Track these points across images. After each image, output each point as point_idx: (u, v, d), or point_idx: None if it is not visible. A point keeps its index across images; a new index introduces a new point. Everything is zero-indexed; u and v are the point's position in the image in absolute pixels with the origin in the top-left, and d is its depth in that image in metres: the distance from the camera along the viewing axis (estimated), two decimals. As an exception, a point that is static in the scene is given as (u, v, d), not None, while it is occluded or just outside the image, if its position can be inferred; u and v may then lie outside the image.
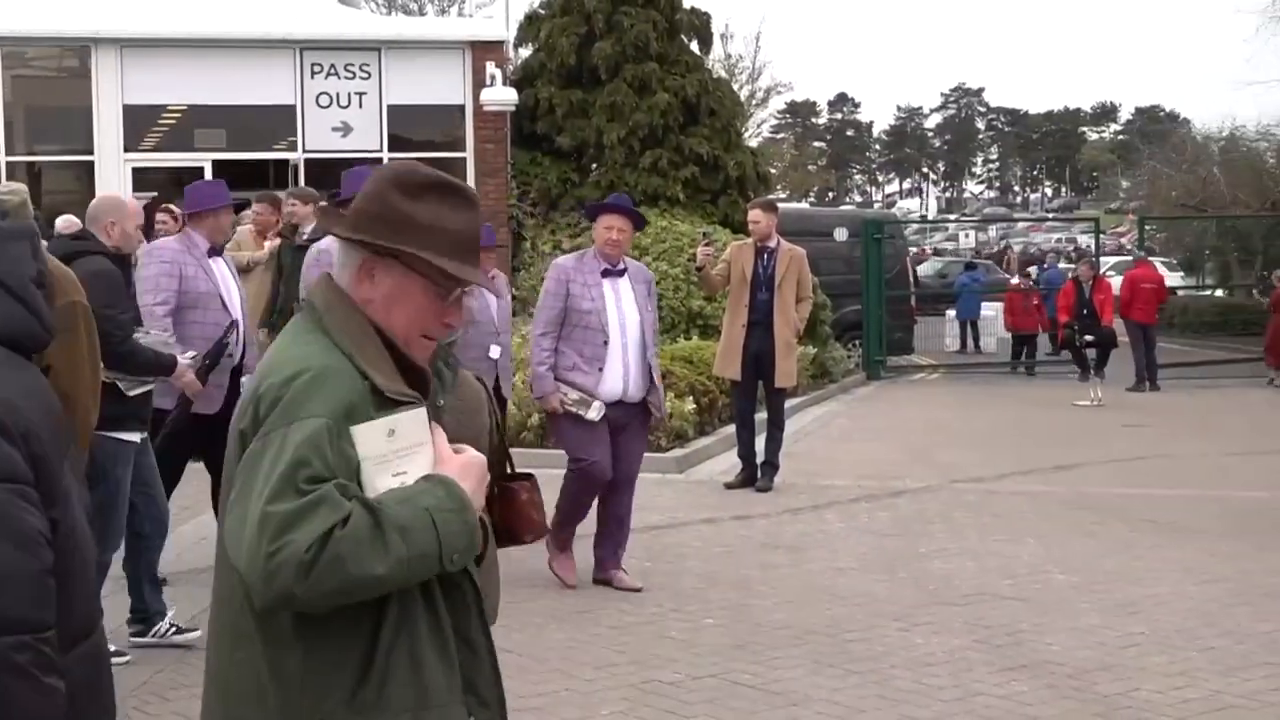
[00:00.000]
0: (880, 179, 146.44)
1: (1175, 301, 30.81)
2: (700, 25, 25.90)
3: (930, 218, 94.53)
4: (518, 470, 5.75)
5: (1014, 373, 26.15)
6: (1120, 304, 23.63)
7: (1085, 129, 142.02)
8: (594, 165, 24.59)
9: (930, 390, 23.45)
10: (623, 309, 9.29)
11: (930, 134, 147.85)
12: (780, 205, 14.83)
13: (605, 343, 9.17)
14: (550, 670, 7.54)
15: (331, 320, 2.97)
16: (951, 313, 32.02)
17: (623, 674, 7.51)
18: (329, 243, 8.90)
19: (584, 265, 9.35)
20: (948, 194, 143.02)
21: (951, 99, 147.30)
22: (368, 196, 3.02)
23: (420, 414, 2.93)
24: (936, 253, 62.61)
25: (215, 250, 8.99)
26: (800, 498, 12.66)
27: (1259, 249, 35.98)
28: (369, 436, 2.84)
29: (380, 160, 21.63)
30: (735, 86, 39.15)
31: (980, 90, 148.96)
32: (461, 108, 22.05)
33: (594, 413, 9.12)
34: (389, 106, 21.82)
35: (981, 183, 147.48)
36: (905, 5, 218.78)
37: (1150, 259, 28.09)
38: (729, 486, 12.98)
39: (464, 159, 21.91)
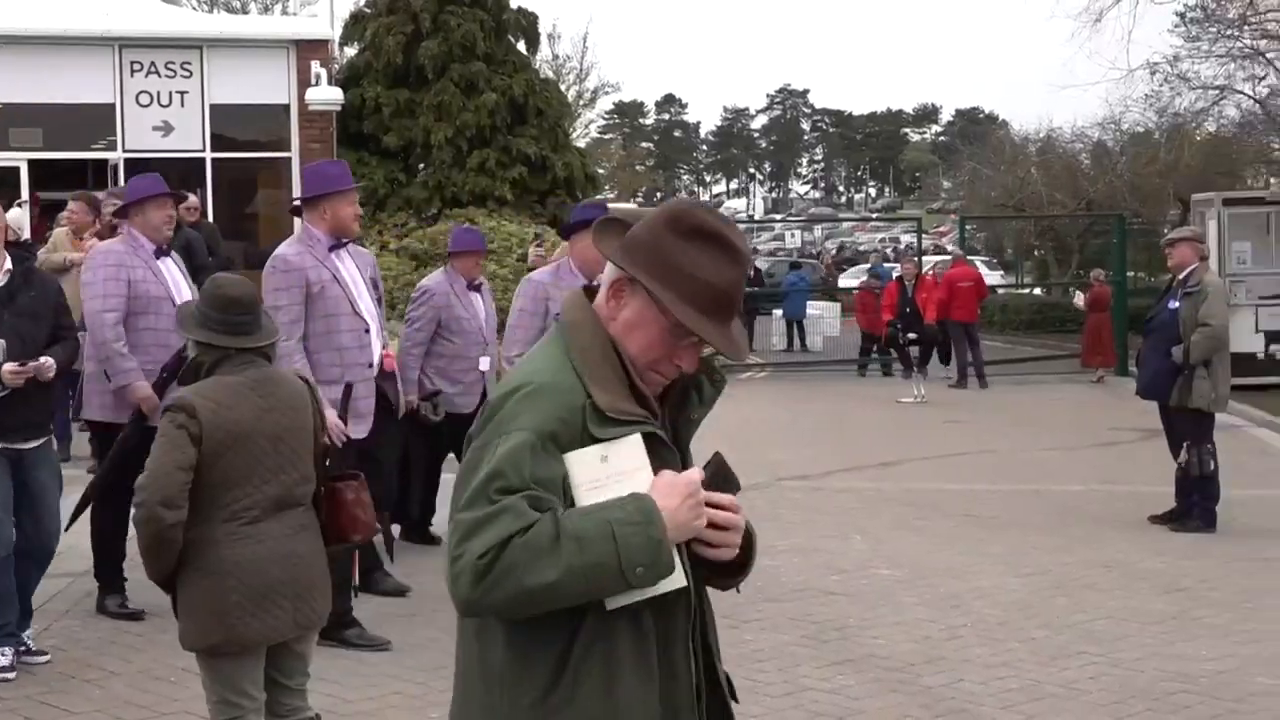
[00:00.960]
0: (707, 179, 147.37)
1: (995, 300, 31.47)
2: (527, 25, 25.90)
3: (756, 218, 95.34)
4: (346, 470, 5.72)
5: (862, 374, 26.37)
6: (940, 304, 24.04)
7: (908, 130, 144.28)
8: (421, 165, 24.49)
9: (758, 389, 23.65)
10: None
11: (756, 135, 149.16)
12: (610, 206, 14.85)
13: None
14: (380, 674, 7.48)
15: (572, 335, 2.99)
16: (779, 312, 32.34)
17: (452, 676, 7.46)
18: None
19: (560, 280, 8.78)
20: (774, 194, 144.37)
21: (777, 100, 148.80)
22: (647, 222, 3.01)
23: (635, 439, 2.88)
24: (770, 253, 63.19)
25: (163, 250, 8.42)
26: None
27: (1075, 248, 36.87)
28: (583, 461, 2.84)
29: (203, 160, 21.33)
30: (563, 87, 39.20)
31: (805, 92, 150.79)
32: (286, 107, 21.78)
33: None
34: (211, 106, 21.49)
35: (807, 183, 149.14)
36: (731, 7, 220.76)
37: (967, 258, 28.61)
38: None
39: (289, 159, 21.66)
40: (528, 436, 2.84)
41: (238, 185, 21.96)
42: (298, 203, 8.43)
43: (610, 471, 2.84)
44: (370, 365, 7.93)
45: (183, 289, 8.38)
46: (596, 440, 2.86)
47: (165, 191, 8.54)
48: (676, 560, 2.82)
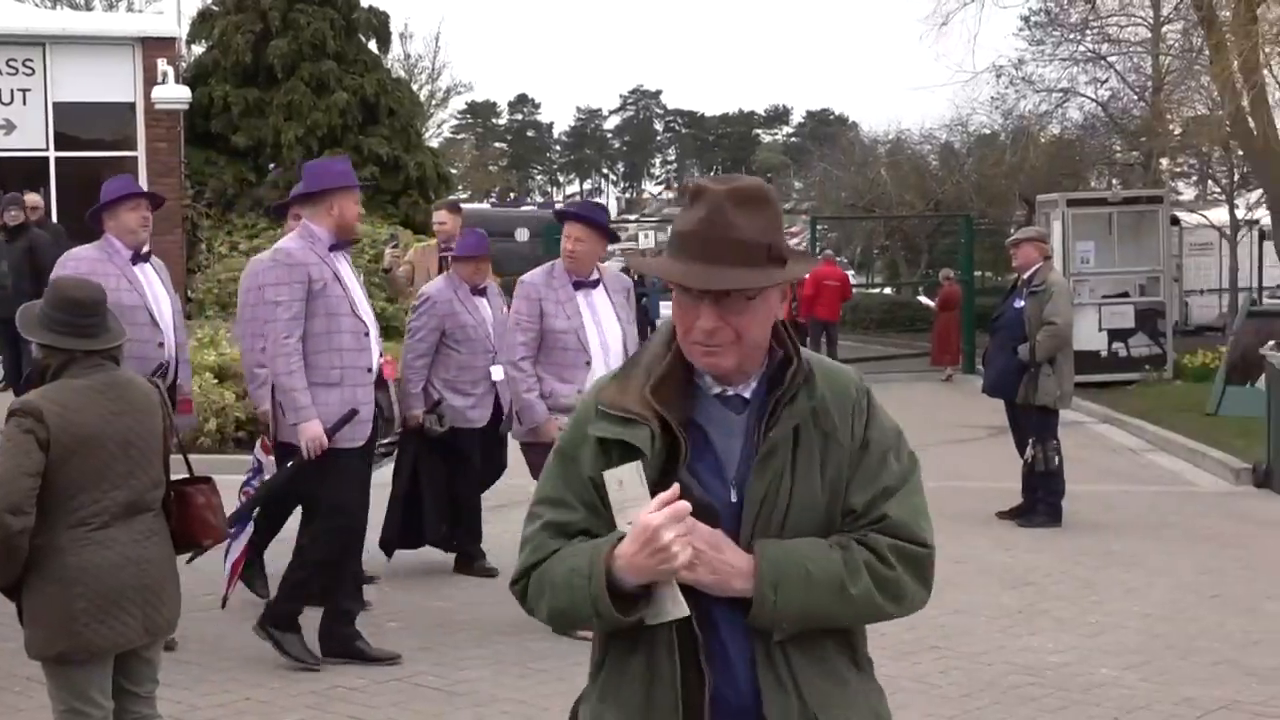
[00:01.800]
0: (561, 179, 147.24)
1: (846, 300, 31.83)
2: (378, 25, 25.73)
3: (611, 218, 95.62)
4: (196, 474, 5.64)
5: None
6: (805, 301, 24.25)
7: (759, 131, 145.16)
8: (271, 165, 24.22)
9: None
10: (601, 324, 8.37)
11: (610, 135, 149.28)
12: (462, 207, 14.79)
13: (588, 363, 8.23)
14: (230, 680, 7.40)
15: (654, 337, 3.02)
16: (632, 312, 32.41)
17: (305, 680, 7.41)
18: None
19: (554, 280, 8.39)
20: (628, 194, 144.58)
21: (630, 101, 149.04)
22: None
23: (634, 467, 2.80)
24: (620, 253, 63.25)
25: (140, 256, 7.98)
26: (493, 497, 12.65)
27: (924, 248, 37.38)
28: (610, 484, 2.83)
29: (47, 159, 20.94)
30: (415, 87, 39.00)
31: (658, 93, 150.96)
32: (132, 105, 21.46)
33: None
34: (55, 104, 21.12)
35: (661, 183, 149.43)
36: (583, 8, 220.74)
37: (836, 258, 28.91)
38: None
39: (135, 158, 21.34)
40: (558, 447, 2.99)
41: (83, 185, 21.51)
42: (286, 200, 8.56)
43: (625, 497, 2.81)
44: (369, 370, 7.57)
45: (161, 297, 8.05)
46: (589, 437, 2.89)
47: (137, 192, 8.12)
48: (672, 594, 2.78)
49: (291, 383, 7.33)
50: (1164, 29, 30.79)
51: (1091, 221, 23.72)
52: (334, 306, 7.42)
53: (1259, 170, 23.99)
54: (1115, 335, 23.02)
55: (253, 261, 8.81)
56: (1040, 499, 11.92)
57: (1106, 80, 33.46)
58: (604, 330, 8.35)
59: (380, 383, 7.73)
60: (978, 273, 30.01)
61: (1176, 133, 30.15)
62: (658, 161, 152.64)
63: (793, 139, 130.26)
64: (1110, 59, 32.47)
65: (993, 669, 7.72)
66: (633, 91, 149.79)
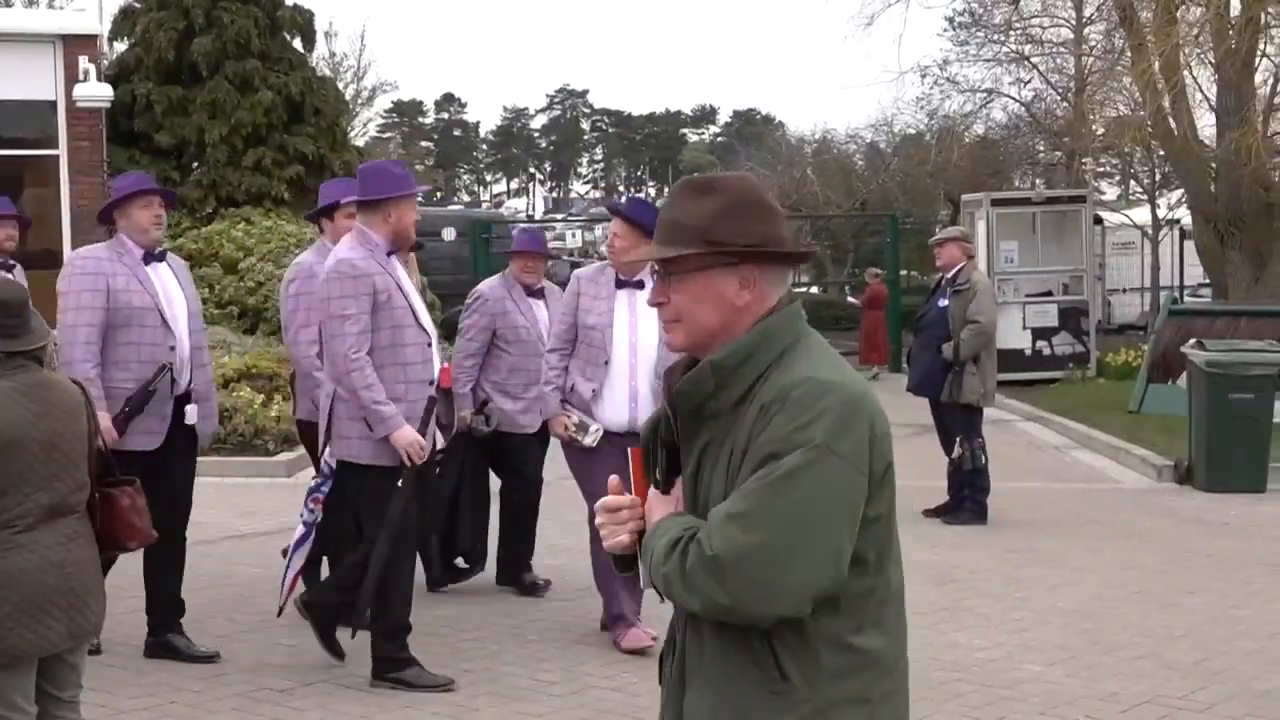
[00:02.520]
0: (488, 179, 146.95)
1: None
2: (303, 23, 25.57)
3: (537, 218, 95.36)
4: (120, 476, 5.59)
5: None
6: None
7: (686, 130, 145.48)
8: (195, 164, 24.03)
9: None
10: (638, 326, 7.95)
11: (536, 134, 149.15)
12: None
13: (606, 363, 7.94)
14: (155, 683, 7.33)
15: None
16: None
17: (232, 683, 7.36)
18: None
19: (600, 276, 8.09)
20: (554, 194, 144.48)
21: (557, 100, 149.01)
22: None
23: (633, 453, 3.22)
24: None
25: (154, 256, 7.65)
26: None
27: (850, 247, 37.55)
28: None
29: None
30: (340, 85, 38.79)
31: (585, 92, 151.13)
32: (53, 103, 21.17)
33: (589, 438, 7.94)
34: (-26, 102, 20.83)
35: (587, 182, 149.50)
36: (510, 6, 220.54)
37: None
38: None
39: (57, 156, 21.07)
40: None
41: (2, 184, 21.32)
42: (327, 206, 8.38)
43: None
44: (431, 382, 7.27)
45: (174, 297, 7.66)
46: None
47: (150, 189, 7.76)
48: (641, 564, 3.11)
49: (373, 396, 6.99)
50: (1086, 30, 31.12)
51: (1015, 221, 23.91)
52: (399, 319, 7.13)
53: (1180, 170, 24.26)
54: (1039, 334, 23.22)
55: (297, 266, 8.49)
56: (966, 497, 12.00)
57: (1030, 81, 33.81)
58: (638, 331, 7.92)
59: (441, 391, 7.49)
60: (903, 272, 30.18)
61: (1099, 133, 30.42)
62: (585, 161, 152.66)
63: (719, 138, 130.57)
64: (1033, 60, 32.78)
65: (918, 665, 7.72)
66: (560, 91, 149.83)
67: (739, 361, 3.00)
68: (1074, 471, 15.25)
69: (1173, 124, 21.71)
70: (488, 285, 9.41)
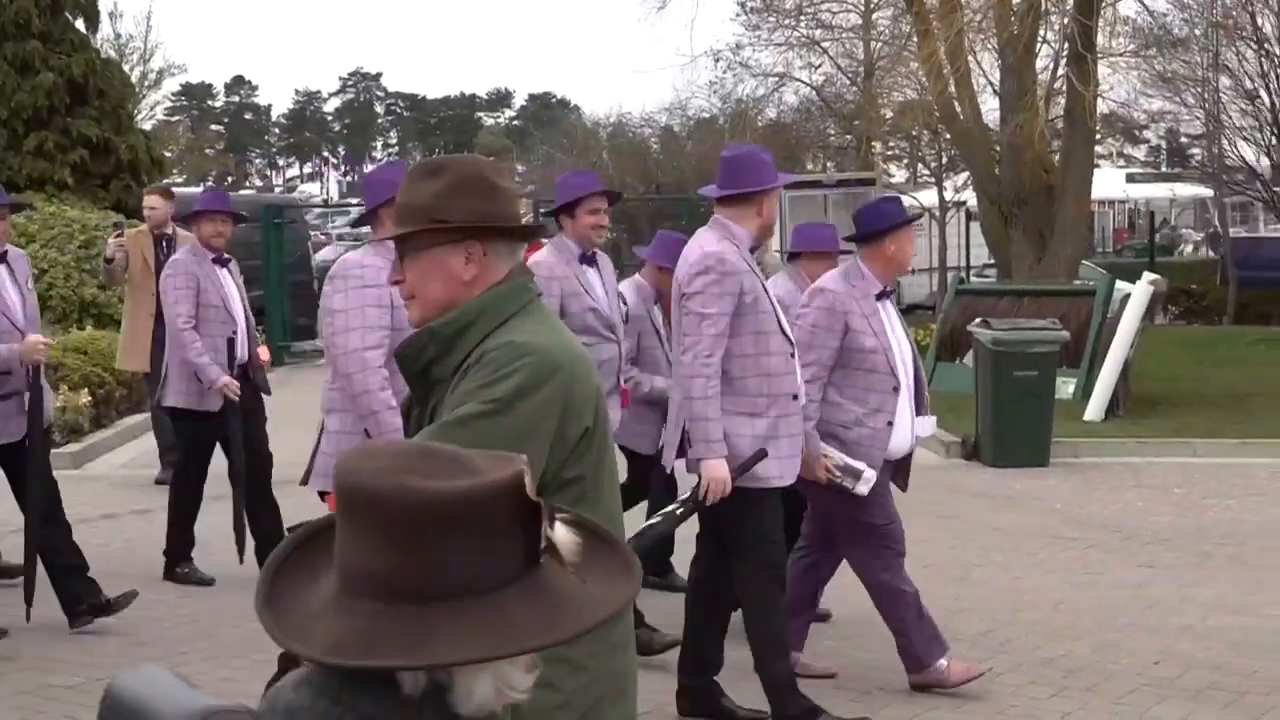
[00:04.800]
0: (280, 163, 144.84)
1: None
2: (86, 3, 24.93)
3: (332, 202, 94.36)
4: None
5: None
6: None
7: (481, 114, 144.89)
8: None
9: (335, 375, 23.41)
10: (902, 340, 7.30)
11: (330, 118, 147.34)
12: (177, 191, 14.47)
13: (895, 389, 7.12)
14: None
15: None
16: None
17: (16, 680, 7.19)
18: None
19: (862, 286, 7.18)
20: (349, 178, 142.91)
21: (350, 83, 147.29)
22: None
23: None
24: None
25: (220, 260, 9.36)
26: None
27: (646, 231, 37.73)
28: None
29: None
30: (126, 68, 37.89)
31: (379, 75, 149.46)
32: None
33: (863, 485, 7.05)
34: None
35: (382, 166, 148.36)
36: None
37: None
38: (159, 482, 12.50)
39: None
40: None
41: None
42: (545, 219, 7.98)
43: None
44: (795, 396, 6.55)
45: (234, 297, 9.39)
46: None
47: (211, 209, 9.49)
48: None
49: (707, 410, 6.32)
50: (874, 16, 31.65)
51: (807, 203, 24.25)
52: (764, 324, 6.46)
53: (965, 153, 24.80)
54: (831, 314, 23.54)
55: (534, 265, 7.48)
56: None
57: (820, 65, 34.28)
58: (904, 346, 7.23)
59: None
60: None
61: (887, 116, 31.02)
62: (379, 144, 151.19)
63: (515, 122, 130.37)
64: (824, 44, 33.23)
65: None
66: (353, 74, 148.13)
67: (458, 329, 3.16)
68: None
69: (958, 108, 22.19)
70: (541, 253, 7.99)
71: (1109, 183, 45.85)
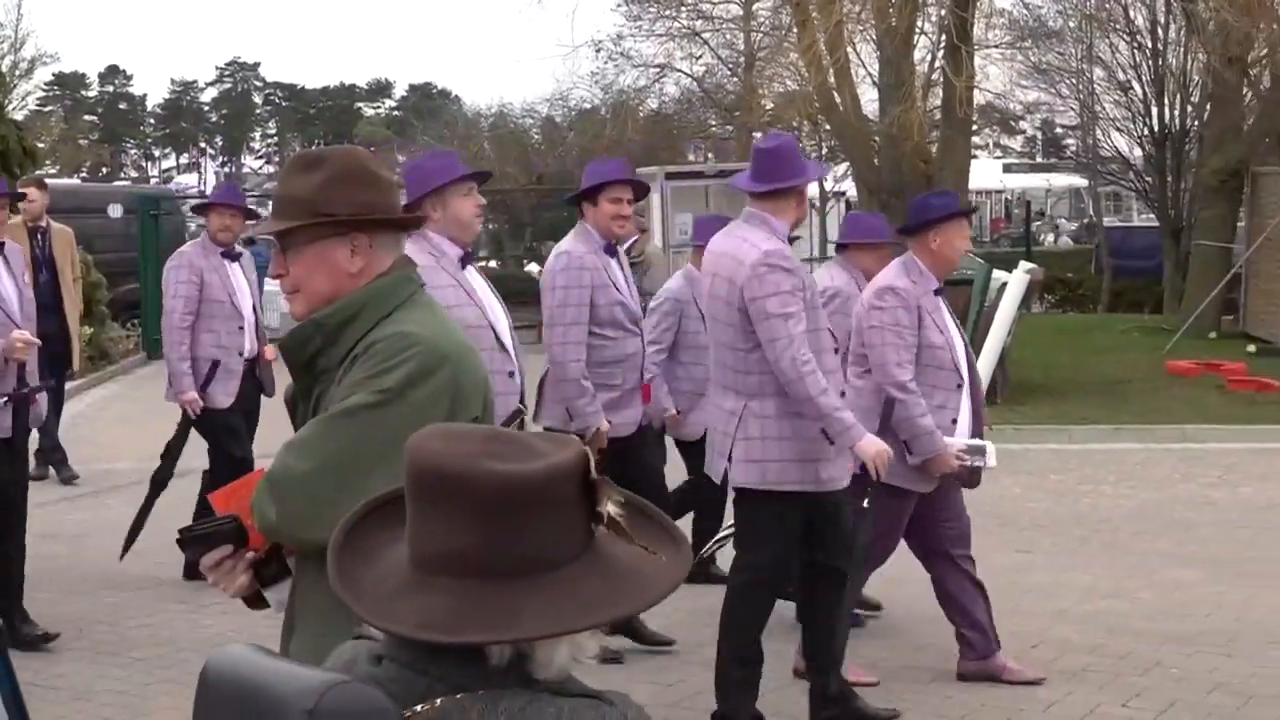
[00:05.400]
0: (156, 154, 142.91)
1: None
2: (-46, -9, 24.43)
3: (209, 193, 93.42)
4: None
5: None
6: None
7: (361, 104, 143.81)
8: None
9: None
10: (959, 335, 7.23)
11: (207, 108, 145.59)
12: (50, 182, 14.21)
13: (959, 386, 7.07)
14: None
15: None
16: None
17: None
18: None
19: (923, 282, 7.03)
20: (227, 169, 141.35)
21: (227, 73, 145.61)
22: None
23: None
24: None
25: (231, 254, 9.34)
26: (79, 484, 12.24)
27: (528, 221, 37.66)
28: None
29: None
30: (-4, 57, 37.20)
31: (257, 65, 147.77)
32: None
33: (990, 458, 7.05)
34: None
35: (261, 158, 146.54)
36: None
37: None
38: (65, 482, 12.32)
39: None
40: None
41: None
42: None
43: None
44: (843, 394, 6.44)
45: (242, 292, 9.37)
46: None
47: (222, 202, 9.65)
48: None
49: (831, 402, 6.08)
50: (755, 6, 31.80)
51: (689, 194, 24.28)
52: (818, 320, 6.34)
53: (844, 143, 25.00)
54: (713, 304, 23.63)
55: (564, 255, 7.50)
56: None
57: (701, 56, 34.37)
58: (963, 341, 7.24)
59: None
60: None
61: (768, 107, 31.11)
62: (258, 135, 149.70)
63: (395, 112, 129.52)
64: (705, 35, 33.33)
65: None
66: (230, 64, 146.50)
67: (343, 319, 3.15)
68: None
69: (837, 99, 22.32)
70: (570, 243, 7.63)
71: (986, 173, 46.50)
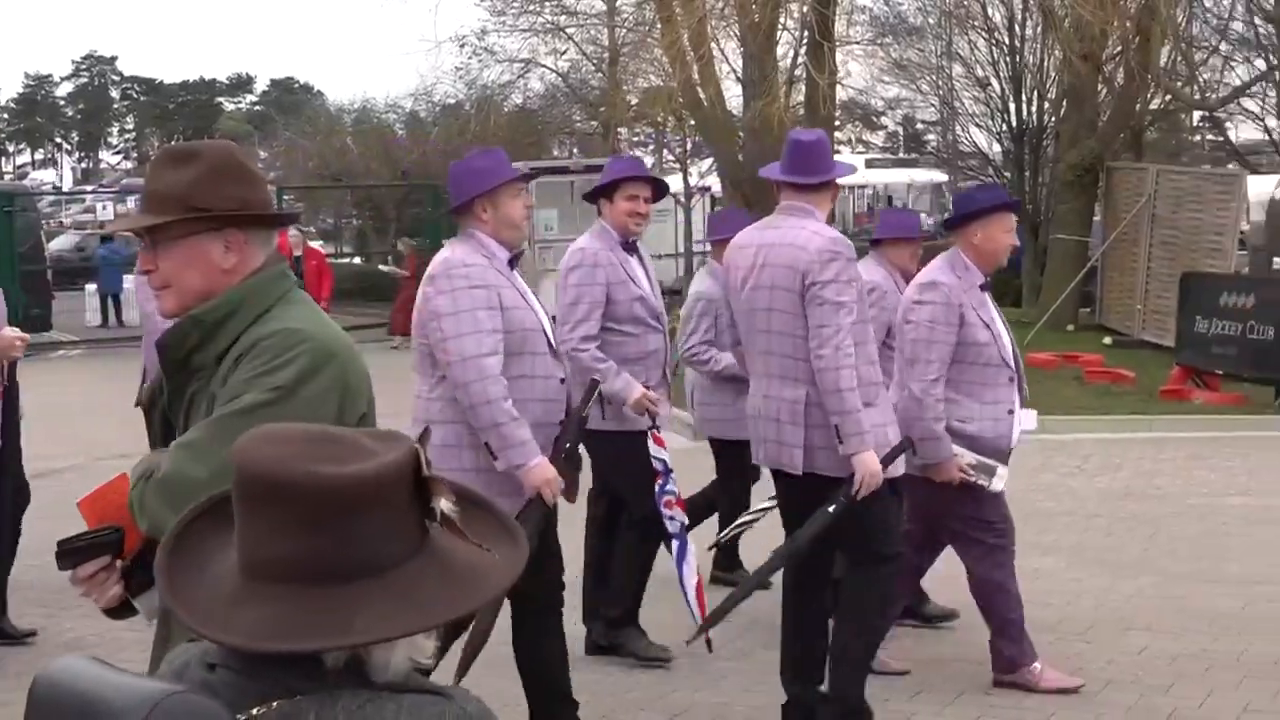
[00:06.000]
0: (10, 149, 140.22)
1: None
2: None
3: (66, 189, 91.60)
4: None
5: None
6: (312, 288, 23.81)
7: (222, 99, 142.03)
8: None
9: (73, 367, 22.80)
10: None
11: (62, 103, 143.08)
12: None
13: (1011, 380, 7.02)
14: None
15: None
16: (92, 286, 31.25)
17: None
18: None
19: (968, 276, 6.97)
20: (83, 165, 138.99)
21: (84, 67, 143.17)
22: None
23: None
24: (76, 226, 60.86)
25: None
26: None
27: (393, 217, 37.46)
28: None
29: None
30: None
31: (114, 59, 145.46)
32: None
33: (999, 481, 6.92)
34: None
35: (119, 153, 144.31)
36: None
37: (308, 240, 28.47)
38: None
39: None
40: None
41: None
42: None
43: None
44: (887, 387, 6.56)
45: None
46: None
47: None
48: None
49: (857, 401, 6.05)
50: (618, 2, 31.83)
51: (554, 190, 24.29)
52: (865, 314, 6.32)
53: (709, 138, 25.11)
54: (579, 300, 23.63)
55: (580, 252, 7.39)
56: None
57: (566, 51, 34.35)
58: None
59: None
60: (445, 242, 30.26)
61: (633, 103, 31.19)
62: (115, 130, 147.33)
63: (257, 107, 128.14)
64: (569, 30, 33.32)
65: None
66: (86, 57, 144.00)
67: (222, 316, 3.13)
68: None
69: (702, 94, 22.44)
70: (588, 240, 7.52)
71: (849, 168, 46.69)
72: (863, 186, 51.70)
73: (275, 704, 1.94)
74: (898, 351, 7.08)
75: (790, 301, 6.16)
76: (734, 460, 8.60)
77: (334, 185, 38.23)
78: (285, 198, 34.90)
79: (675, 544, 6.97)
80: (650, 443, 6.93)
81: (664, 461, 6.86)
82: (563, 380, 6.11)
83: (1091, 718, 6.75)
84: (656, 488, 6.87)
